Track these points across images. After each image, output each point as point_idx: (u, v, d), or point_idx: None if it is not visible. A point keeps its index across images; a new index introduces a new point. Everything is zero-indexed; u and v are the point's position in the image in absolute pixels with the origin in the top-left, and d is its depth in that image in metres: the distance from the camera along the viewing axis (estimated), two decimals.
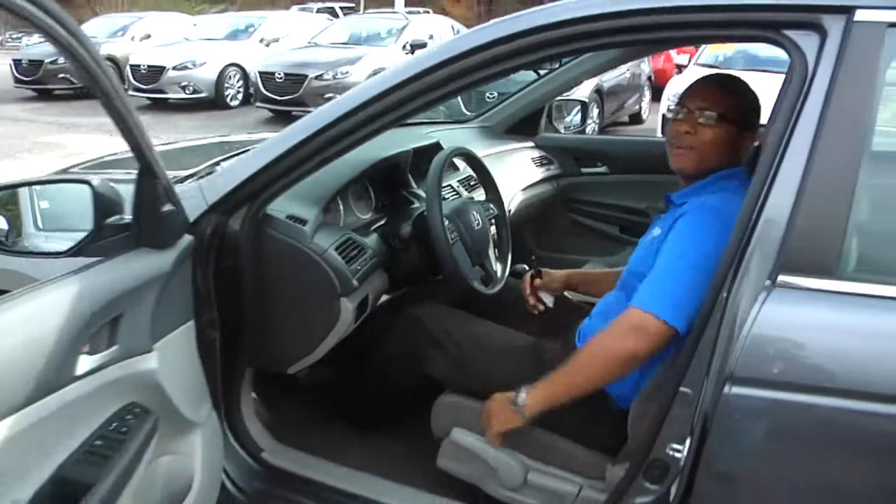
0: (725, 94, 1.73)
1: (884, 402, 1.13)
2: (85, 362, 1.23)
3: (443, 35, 12.10)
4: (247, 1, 32.66)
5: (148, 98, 11.21)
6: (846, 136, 1.20)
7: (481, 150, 2.74)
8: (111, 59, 12.27)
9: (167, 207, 1.44)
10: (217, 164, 1.99)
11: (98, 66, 1.19)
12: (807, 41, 1.26)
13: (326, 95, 9.65)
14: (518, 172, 2.86)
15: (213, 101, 10.86)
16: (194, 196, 1.61)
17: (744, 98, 1.75)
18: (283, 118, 10.22)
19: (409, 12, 14.98)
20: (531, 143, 3.11)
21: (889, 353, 1.14)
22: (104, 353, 1.28)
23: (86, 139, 8.64)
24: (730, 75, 1.87)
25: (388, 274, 1.99)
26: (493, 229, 2.21)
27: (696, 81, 1.79)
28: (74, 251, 1.46)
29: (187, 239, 1.53)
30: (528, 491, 1.70)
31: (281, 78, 9.75)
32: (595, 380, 1.59)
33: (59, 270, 1.35)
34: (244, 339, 1.73)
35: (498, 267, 2.17)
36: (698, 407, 1.29)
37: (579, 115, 3.42)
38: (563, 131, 3.39)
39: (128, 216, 1.47)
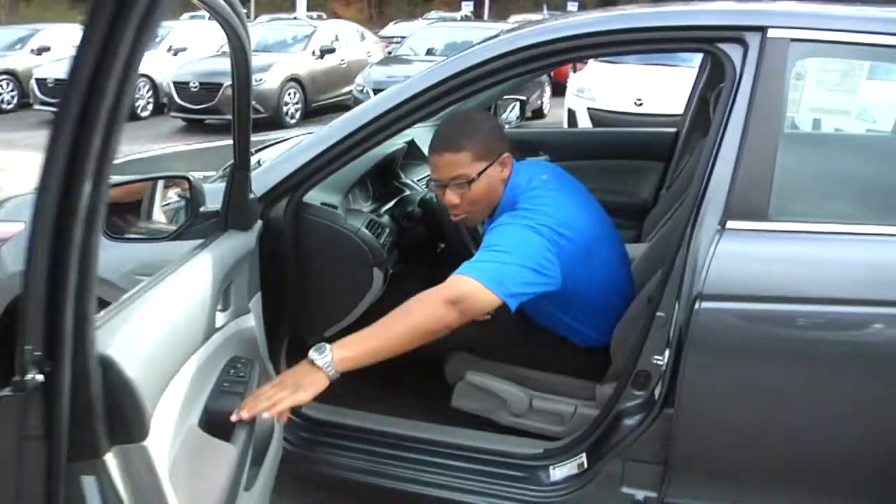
0: (462, 151, 1.84)
1: (803, 304, 1.61)
2: (219, 318, 1.58)
3: (349, 39, 12.43)
4: None
5: (55, 112, 10.97)
6: (767, 121, 1.67)
7: None
8: (11, 73, 12.00)
9: (251, 196, 1.80)
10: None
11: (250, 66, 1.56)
12: (734, 52, 1.72)
13: None
14: None
15: None
16: None
17: (480, 137, 1.87)
18: (196, 127, 10.30)
19: (297, 18, 15.14)
20: None
21: (803, 267, 1.64)
22: (226, 313, 1.63)
23: (21, 155, 8.42)
24: (453, 124, 1.97)
25: (398, 249, 2.37)
26: None
27: (432, 154, 1.93)
28: (175, 236, 1.79)
29: (259, 222, 1.89)
30: (533, 415, 2.11)
31: (196, 87, 9.84)
32: (407, 347, 1.65)
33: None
34: (285, 311, 2.08)
35: None
36: (673, 323, 1.74)
37: (518, 110, 3.87)
38: (505, 126, 3.83)
39: (211, 205, 1.82)
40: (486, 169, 1.88)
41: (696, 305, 1.62)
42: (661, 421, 1.78)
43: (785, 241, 1.65)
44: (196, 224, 1.78)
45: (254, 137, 3.28)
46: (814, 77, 1.87)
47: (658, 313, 1.79)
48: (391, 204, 2.48)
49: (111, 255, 2.09)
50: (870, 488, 1.72)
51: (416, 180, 2.73)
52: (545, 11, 34.03)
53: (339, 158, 1.99)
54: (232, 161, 2.46)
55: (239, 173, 1.76)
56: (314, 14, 19.98)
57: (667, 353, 1.75)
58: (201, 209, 1.79)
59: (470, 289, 1.69)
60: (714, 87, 2.97)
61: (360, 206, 2.40)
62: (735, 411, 1.69)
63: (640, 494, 1.84)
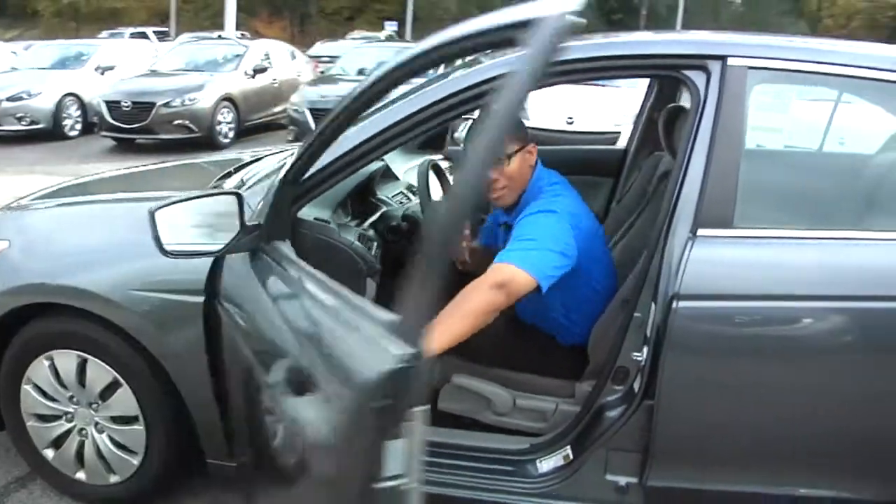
0: None
1: (765, 300, 1.82)
2: None
3: (280, 58, 12.44)
4: (49, 27, 31.09)
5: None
6: (730, 140, 1.87)
7: (405, 163, 3.32)
8: None
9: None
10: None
11: None
12: (698, 78, 1.92)
13: (175, 122, 9.77)
14: (434, 180, 3.43)
15: (52, 132, 10.54)
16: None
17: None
18: (127, 146, 10.15)
19: (221, 36, 15.03)
20: (441, 155, 3.69)
21: (764, 268, 1.84)
22: None
23: None
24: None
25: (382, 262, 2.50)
26: None
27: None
28: (227, 249, 1.88)
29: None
30: (517, 413, 2.26)
31: (128, 106, 9.69)
32: (470, 331, 1.89)
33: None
34: None
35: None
36: (650, 322, 1.91)
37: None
38: (460, 144, 4.01)
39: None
40: (519, 150, 2.15)
41: (674, 305, 1.81)
42: (640, 412, 1.95)
43: (749, 245, 1.85)
44: (243, 237, 1.90)
45: (209, 156, 3.38)
46: (763, 100, 2.09)
47: (635, 314, 1.97)
48: (374, 219, 2.61)
49: (110, 277, 2.18)
50: (835, 469, 1.94)
51: (391, 196, 2.87)
52: None
53: (335, 176, 2.10)
54: (219, 177, 2.57)
55: (286, 187, 1.92)
56: (238, 33, 19.85)
57: (645, 349, 1.92)
58: (248, 223, 1.91)
59: (511, 273, 1.92)
60: (661, 108, 3.20)
61: (345, 221, 2.52)
62: (711, 399, 1.88)
63: (622, 480, 2.01)
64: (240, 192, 1.91)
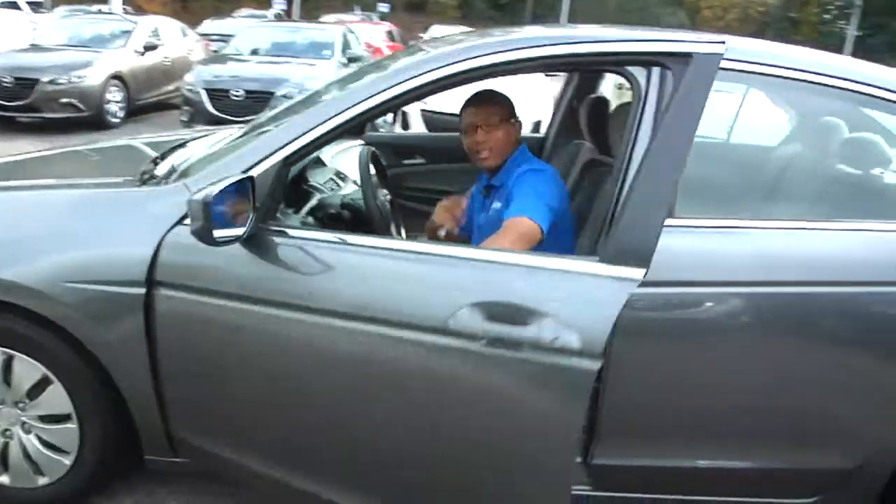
0: (493, 103, 2.50)
1: (706, 287, 1.93)
2: None
3: (171, 36, 11.96)
4: None
5: None
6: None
7: (330, 148, 3.30)
8: None
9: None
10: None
11: None
12: (640, 74, 2.00)
13: (62, 100, 9.26)
14: (354, 166, 3.42)
15: None
16: (180, 193, 2.02)
17: (507, 101, 2.53)
18: (7, 125, 9.53)
19: (102, 11, 14.29)
20: (361, 141, 3.67)
21: (702, 256, 1.94)
22: None
23: None
24: (490, 92, 2.56)
25: None
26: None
27: (470, 103, 2.54)
28: (249, 232, 1.90)
29: None
30: None
31: (9, 82, 9.10)
32: None
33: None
34: None
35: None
36: None
37: (391, 114, 4.06)
38: (379, 129, 4.01)
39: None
40: (505, 120, 2.50)
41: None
42: None
43: (689, 234, 1.94)
44: (252, 219, 1.91)
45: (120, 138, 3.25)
46: None
47: None
48: (311, 206, 2.58)
49: (41, 268, 2.07)
50: (774, 443, 2.06)
51: (322, 183, 2.84)
52: (356, 11, 34.27)
53: (296, 163, 2.08)
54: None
55: (284, 170, 1.98)
56: (123, 8, 18.94)
57: None
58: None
59: (527, 225, 2.24)
60: (581, 97, 3.32)
61: (282, 208, 2.48)
62: (656, 381, 1.97)
63: None
64: (253, 175, 1.92)
